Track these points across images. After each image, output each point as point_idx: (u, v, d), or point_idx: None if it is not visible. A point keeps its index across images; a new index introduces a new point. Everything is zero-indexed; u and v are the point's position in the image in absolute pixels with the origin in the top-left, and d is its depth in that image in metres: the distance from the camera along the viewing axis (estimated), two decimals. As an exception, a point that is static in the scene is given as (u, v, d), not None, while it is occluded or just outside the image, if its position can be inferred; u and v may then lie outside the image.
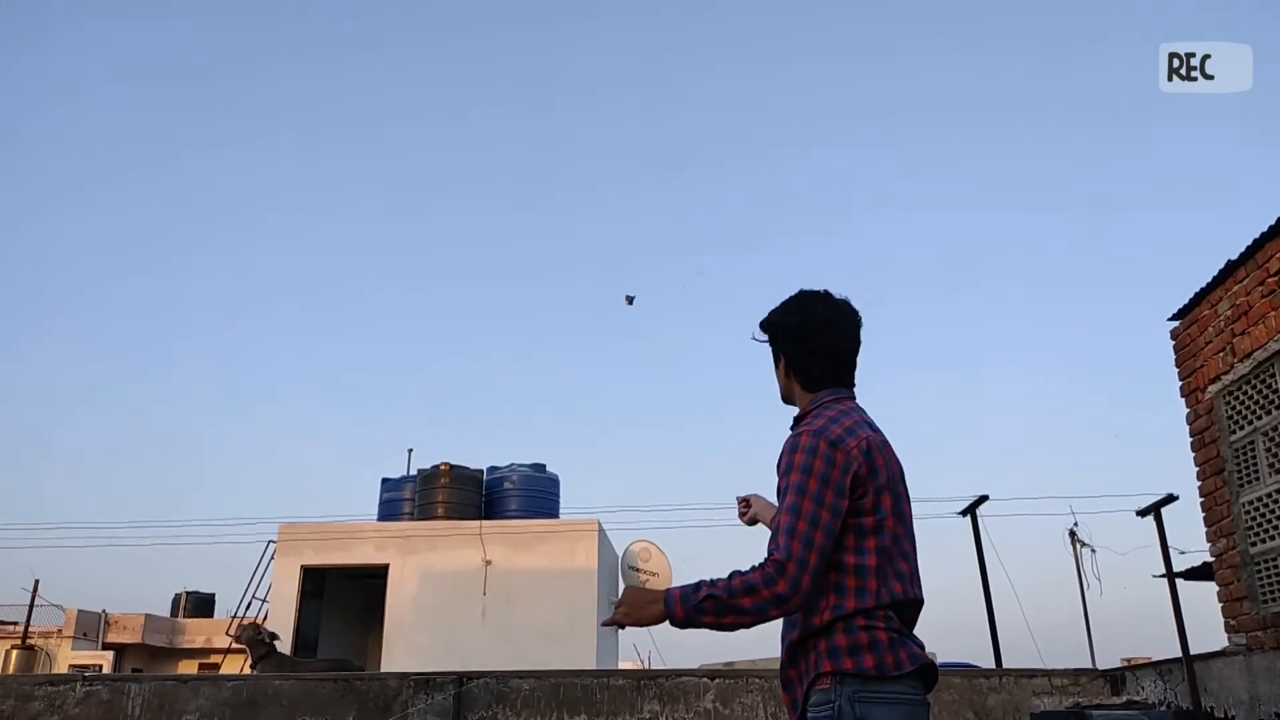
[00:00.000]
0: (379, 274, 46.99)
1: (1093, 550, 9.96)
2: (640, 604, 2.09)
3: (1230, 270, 6.16)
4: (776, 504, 2.12)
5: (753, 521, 2.58)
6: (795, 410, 2.32)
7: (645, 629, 2.19)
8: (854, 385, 2.30)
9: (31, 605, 23.47)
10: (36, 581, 23.35)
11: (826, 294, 2.29)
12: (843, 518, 2.00)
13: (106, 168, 44.46)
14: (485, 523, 14.46)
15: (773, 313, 2.35)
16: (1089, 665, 8.09)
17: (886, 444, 2.17)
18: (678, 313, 50.85)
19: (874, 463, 2.07)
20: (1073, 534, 10.06)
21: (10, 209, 42.40)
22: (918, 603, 2.09)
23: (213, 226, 45.84)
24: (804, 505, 1.98)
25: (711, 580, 2.00)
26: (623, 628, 2.16)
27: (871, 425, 2.18)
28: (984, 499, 10.12)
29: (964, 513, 10.27)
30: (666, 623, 2.07)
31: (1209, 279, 6.38)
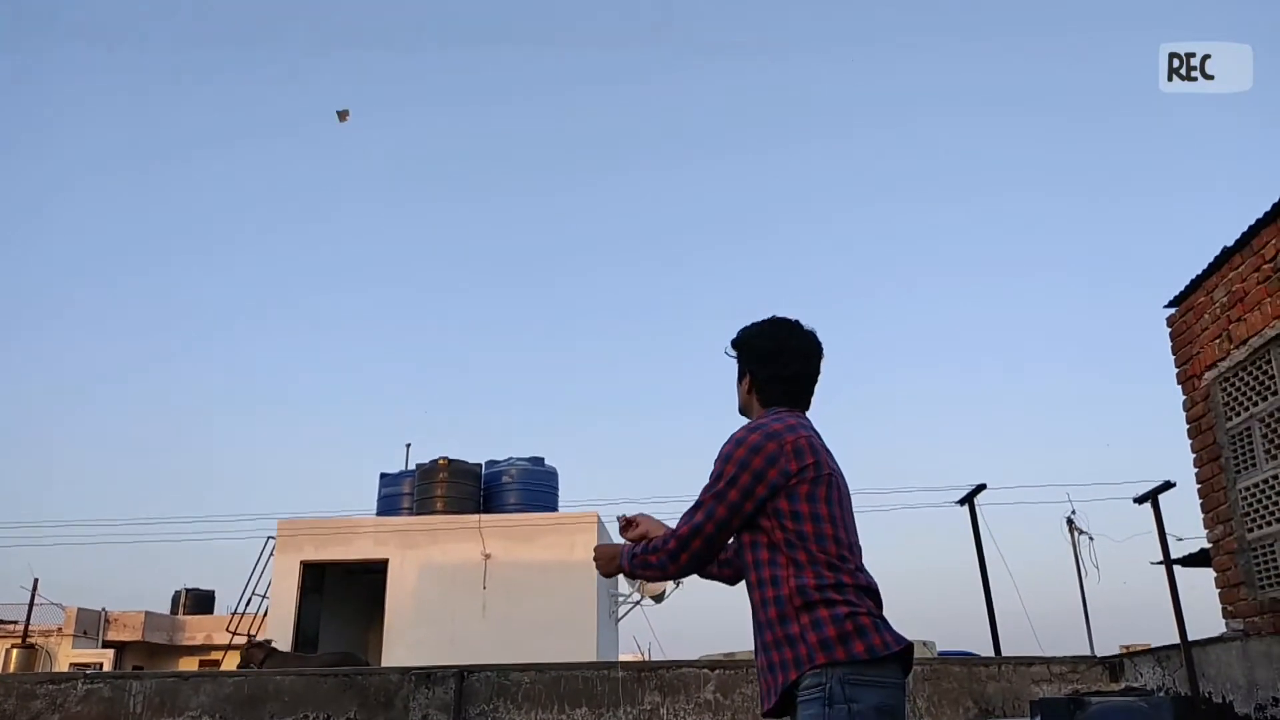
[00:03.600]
0: (375, 270, 46.95)
1: (1090, 538, 9.97)
2: (607, 559, 2.55)
3: (1226, 257, 6.17)
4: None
5: (638, 539, 2.66)
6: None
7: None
8: (809, 408, 2.49)
9: (31, 604, 23.47)
10: (36, 580, 23.34)
11: (799, 324, 2.50)
12: (756, 499, 2.21)
13: (114, 165, 44.37)
14: (484, 516, 14.48)
15: (747, 333, 2.53)
16: (1088, 653, 8.12)
17: (827, 448, 2.36)
18: (676, 304, 50.85)
19: (816, 456, 2.27)
20: (1070, 522, 10.07)
21: (18, 205, 42.32)
22: (876, 587, 2.25)
23: (214, 227, 45.76)
24: (714, 485, 2.25)
25: (648, 540, 2.41)
26: (604, 575, 2.68)
27: (814, 431, 2.38)
28: (981, 488, 10.13)
29: (962, 502, 10.29)
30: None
31: (1205, 266, 6.39)
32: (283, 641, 13.68)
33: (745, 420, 2.49)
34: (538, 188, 45.93)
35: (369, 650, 15.33)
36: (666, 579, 2.51)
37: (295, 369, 48.55)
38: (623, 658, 16.13)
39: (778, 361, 2.44)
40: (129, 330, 49.01)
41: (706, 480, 2.29)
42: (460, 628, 13.40)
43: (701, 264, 48.91)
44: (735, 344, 2.56)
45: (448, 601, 13.81)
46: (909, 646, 2.15)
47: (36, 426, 48.60)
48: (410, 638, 13.47)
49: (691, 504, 2.30)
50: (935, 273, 47.78)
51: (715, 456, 2.31)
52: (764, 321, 2.53)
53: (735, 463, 2.24)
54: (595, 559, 2.59)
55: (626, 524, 2.73)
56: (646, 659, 15.95)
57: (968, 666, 7.60)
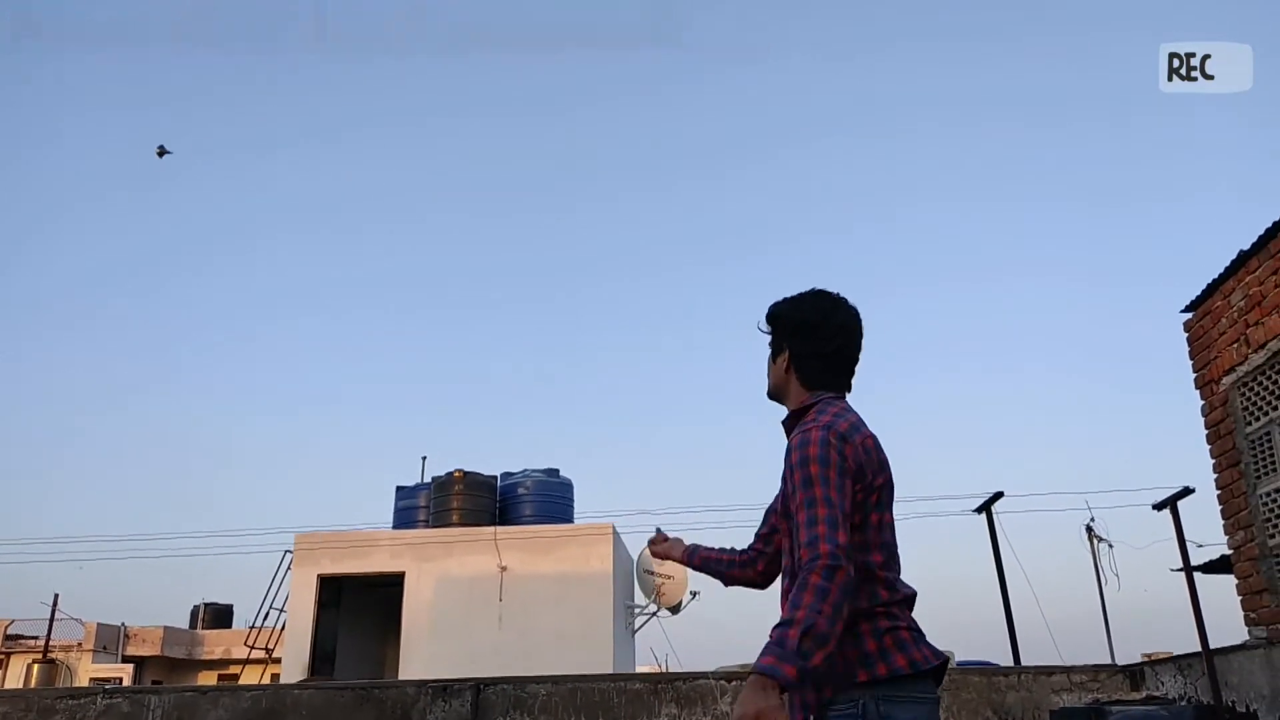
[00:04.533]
0: (390, 282, 47.17)
1: (1110, 545, 9.90)
2: (756, 698, 1.76)
3: (1243, 260, 6.12)
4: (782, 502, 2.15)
5: (664, 556, 2.67)
6: (781, 408, 2.32)
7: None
8: (850, 390, 2.28)
9: (52, 619, 23.64)
10: (56, 595, 23.53)
11: (842, 297, 2.27)
12: (854, 506, 2.01)
13: (130, 180, 44.79)
14: (500, 528, 14.48)
15: (784, 306, 2.30)
16: (1108, 661, 8.05)
17: (880, 444, 2.19)
18: (688, 315, 50.84)
19: (880, 460, 2.11)
20: (1089, 529, 10.00)
21: (33, 218, 42.78)
22: (915, 596, 2.14)
23: (227, 241, 46.14)
24: (828, 494, 1.95)
25: (781, 623, 1.83)
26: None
27: (867, 426, 2.20)
28: (999, 495, 10.09)
29: (979, 510, 10.24)
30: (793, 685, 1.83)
31: (1221, 269, 6.35)
32: (300, 655, 13.71)
33: (776, 403, 2.32)
34: (553, 203, 46.09)
35: (386, 663, 15.34)
36: (846, 604, 1.86)
37: (312, 383, 48.79)
38: (639, 669, 16.11)
39: (820, 336, 2.21)
40: (143, 345, 49.39)
41: (803, 490, 1.97)
42: (477, 640, 13.40)
43: (716, 274, 48.91)
44: (771, 317, 2.31)
45: (464, 614, 13.81)
46: (944, 661, 2.05)
47: (55, 442, 48.98)
48: (427, 650, 13.48)
49: (813, 523, 1.91)
50: (946, 278, 47.61)
51: (793, 466, 2.03)
52: (804, 293, 2.28)
53: (834, 468, 1.98)
54: (747, 710, 1.77)
55: (662, 539, 2.69)
56: (664, 670, 15.89)
57: (987, 676, 7.54)
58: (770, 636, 1.82)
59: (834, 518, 1.91)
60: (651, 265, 50.64)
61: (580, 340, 51.59)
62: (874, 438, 2.13)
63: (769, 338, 2.33)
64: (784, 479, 2.10)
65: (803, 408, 2.21)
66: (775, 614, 2.01)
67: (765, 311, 2.34)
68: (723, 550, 2.56)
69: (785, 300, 2.30)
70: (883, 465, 2.10)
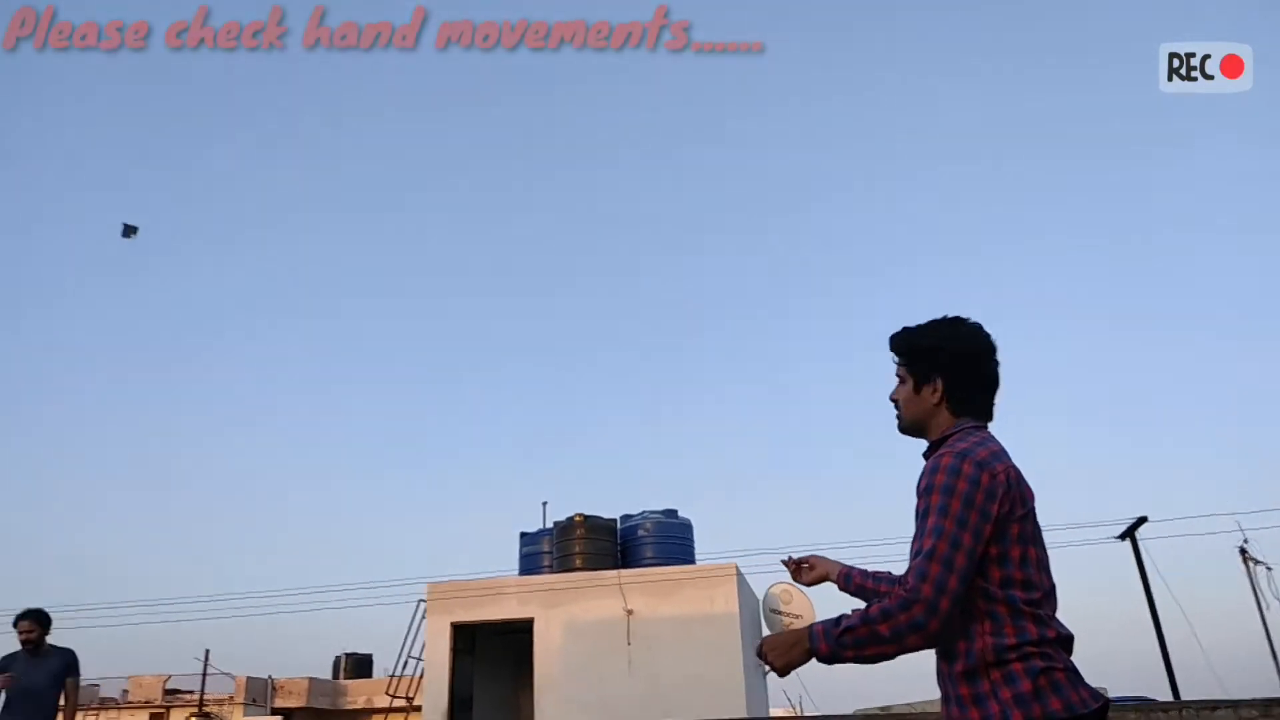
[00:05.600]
0: (508, 334, 48.37)
1: (1268, 568, 9.25)
2: (785, 647, 2.06)
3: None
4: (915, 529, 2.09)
5: (814, 581, 2.57)
6: (921, 441, 2.26)
7: (795, 670, 2.15)
8: (992, 419, 2.23)
9: (205, 674, 24.87)
10: (207, 651, 24.76)
11: (979, 323, 2.22)
12: (985, 541, 1.94)
13: (262, 214, 47.43)
14: (623, 571, 14.53)
15: (933, 337, 2.22)
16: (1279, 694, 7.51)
17: (1022, 476, 2.11)
18: (811, 356, 50.35)
19: (1022, 490, 2.03)
20: (1243, 551, 9.39)
21: (169, 250, 45.58)
22: (1072, 637, 2.04)
23: (361, 290, 48.24)
24: (944, 525, 1.93)
25: (854, 612, 1.98)
26: (780, 674, 2.12)
27: (1009, 456, 2.12)
28: (1143, 520, 9.62)
29: (1123, 536, 9.79)
30: (814, 660, 2.04)
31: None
32: (439, 702, 14.01)
33: (912, 437, 2.26)
34: (675, 246, 46.65)
35: (521, 709, 15.50)
36: (902, 653, 1.95)
37: (436, 436, 50.24)
38: (774, 713, 15.81)
39: (980, 366, 2.17)
40: (277, 406, 51.80)
41: (926, 519, 1.97)
42: (608, 684, 13.42)
43: (818, 316, 48.36)
44: (916, 348, 2.24)
45: (594, 659, 13.86)
46: (1106, 704, 1.95)
47: (205, 509, 51.74)
48: (559, 696, 13.57)
49: (921, 554, 1.93)
50: (1076, 310, 45.82)
51: (924, 490, 2.01)
52: (942, 321, 2.23)
53: (960, 498, 1.94)
54: (765, 653, 2.09)
55: (797, 568, 2.54)
56: (799, 714, 15.57)
57: (1145, 713, 7.14)
58: (848, 614, 1.98)
59: (950, 557, 1.91)
60: (762, 304, 50.50)
61: (698, 379, 51.70)
62: (1016, 469, 2.05)
63: (906, 369, 2.26)
64: (917, 506, 2.08)
65: (943, 437, 2.17)
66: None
67: (899, 342, 2.28)
68: (879, 579, 2.46)
69: (928, 330, 2.24)
70: (1024, 498, 2.03)
